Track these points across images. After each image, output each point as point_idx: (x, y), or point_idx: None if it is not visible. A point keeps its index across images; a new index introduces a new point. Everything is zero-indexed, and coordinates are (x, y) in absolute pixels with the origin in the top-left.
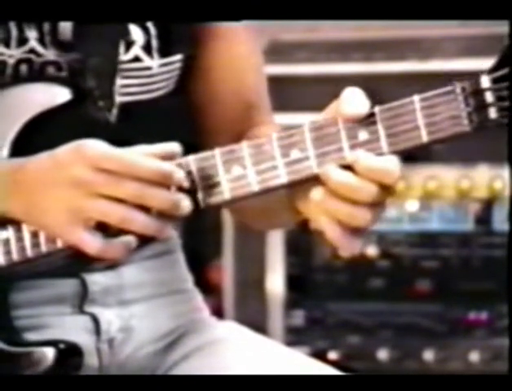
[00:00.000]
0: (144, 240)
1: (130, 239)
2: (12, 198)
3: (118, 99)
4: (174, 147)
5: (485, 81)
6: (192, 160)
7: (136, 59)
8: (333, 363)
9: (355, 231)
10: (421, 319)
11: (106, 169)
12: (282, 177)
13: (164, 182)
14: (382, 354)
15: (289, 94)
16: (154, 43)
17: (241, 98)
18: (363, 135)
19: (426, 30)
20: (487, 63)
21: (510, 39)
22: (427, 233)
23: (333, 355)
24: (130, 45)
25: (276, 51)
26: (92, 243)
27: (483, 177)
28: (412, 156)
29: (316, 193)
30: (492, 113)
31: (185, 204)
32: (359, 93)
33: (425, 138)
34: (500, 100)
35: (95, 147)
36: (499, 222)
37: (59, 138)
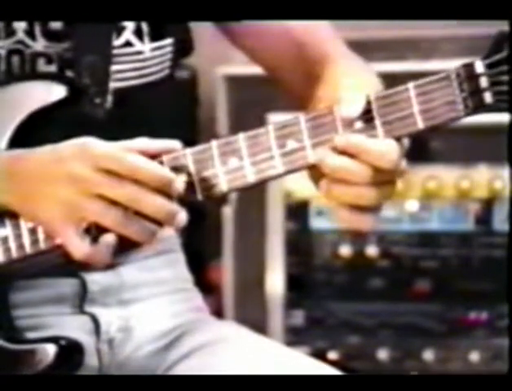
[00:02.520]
0: (129, 246)
1: (111, 240)
2: (10, 188)
3: (112, 85)
4: (175, 144)
5: (479, 67)
6: (190, 153)
7: (127, 43)
8: (333, 363)
9: (366, 210)
10: (420, 319)
11: (106, 168)
12: (278, 167)
13: (162, 189)
14: (382, 354)
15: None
16: (145, 28)
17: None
18: (359, 123)
19: (426, 30)
20: None
21: (510, 39)
22: (427, 233)
23: (333, 355)
24: (121, 30)
25: None
26: (79, 247)
27: (483, 177)
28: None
29: (322, 185)
30: (488, 98)
31: (181, 217)
32: (357, 93)
33: (420, 124)
34: (495, 85)
35: (99, 146)
36: (499, 222)
37: (55, 135)
